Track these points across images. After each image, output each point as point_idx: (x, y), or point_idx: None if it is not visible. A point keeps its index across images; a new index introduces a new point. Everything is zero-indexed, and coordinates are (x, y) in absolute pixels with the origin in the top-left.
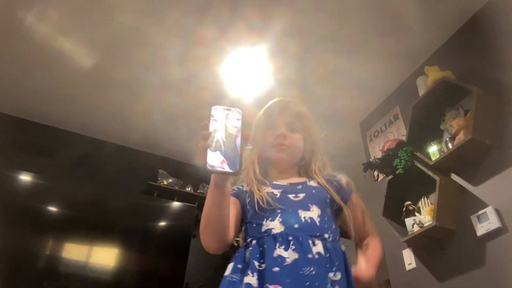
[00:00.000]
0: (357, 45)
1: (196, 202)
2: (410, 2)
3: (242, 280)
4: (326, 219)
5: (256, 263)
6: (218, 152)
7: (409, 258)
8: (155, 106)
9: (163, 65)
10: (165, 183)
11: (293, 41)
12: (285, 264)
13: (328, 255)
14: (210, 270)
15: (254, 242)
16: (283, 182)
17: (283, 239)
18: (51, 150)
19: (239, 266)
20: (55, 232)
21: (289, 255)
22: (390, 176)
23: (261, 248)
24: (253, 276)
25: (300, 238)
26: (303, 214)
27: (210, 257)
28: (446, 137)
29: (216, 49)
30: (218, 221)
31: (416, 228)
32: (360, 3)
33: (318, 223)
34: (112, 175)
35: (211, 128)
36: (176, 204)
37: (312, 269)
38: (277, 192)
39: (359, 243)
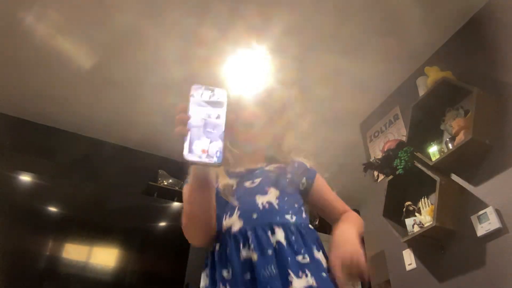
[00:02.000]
0: (357, 46)
1: None
2: (410, 3)
3: None
4: (286, 199)
5: (224, 273)
6: (197, 141)
7: (409, 259)
8: (155, 106)
9: (163, 65)
10: (165, 183)
11: (293, 42)
12: (252, 266)
13: (293, 238)
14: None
15: (217, 247)
16: (241, 168)
17: (244, 237)
18: (51, 151)
19: (215, 277)
20: (55, 233)
21: (251, 255)
22: (390, 177)
23: (224, 253)
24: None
25: (259, 232)
26: (261, 200)
27: None
28: (446, 137)
29: (216, 50)
30: (202, 219)
31: (416, 229)
32: (360, 4)
33: (277, 206)
34: (112, 175)
35: (190, 112)
36: (176, 204)
37: (272, 267)
38: (233, 183)
39: (336, 222)
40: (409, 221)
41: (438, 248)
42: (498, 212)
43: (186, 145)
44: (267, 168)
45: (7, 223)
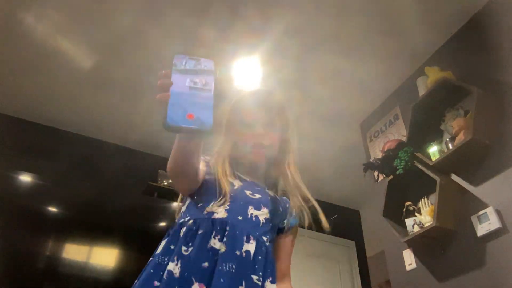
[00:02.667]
0: (357, 46)
1: None
2: (410, 3)
3: (166, 265)
4: (270, 225)
5: (183, 248)
6: (181, 107)
7: (409, 259)
8: (155, 106)
9: (163, 65)
10: (165, 183)
11: (293, 42)
12: (216, 258)
13: (259, 257)
14: None
15: (190, 222)
16: (247, 177)
17: (221, 227)
18: (51, 151)
19: (172, 246)
20: (55, 233)
21: (219, 247)
22: (390, 177)
23: (195, 231)
24: (177, 264)
25: (237, 232)
26: (251, 211)
27: None
28: (446, 137)
29: (216, 50)
30: (187, 168)
31: (416, 229)
32: (360, 4)
33: (261, 224)
34: (112, 175)
35: (173, 79)
36: (176, 204)
37: (233, 266)
38: (236, 184)
39: (279, 277)
40: (409, 221)
41: (438, 248)
42: (498, 212)
43: (168, 112)
44: (267, 190)
45: (7, 223)
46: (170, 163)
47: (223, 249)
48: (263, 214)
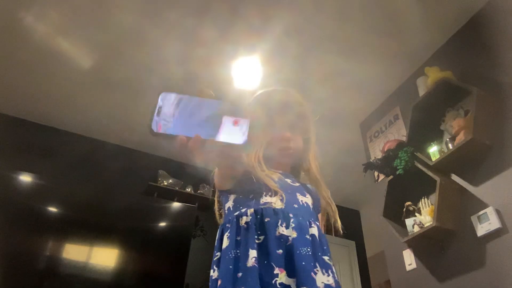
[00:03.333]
0: (357, 46)
1: (197, 202)
2: (410, 3)
3: (247, 253)
4: (316, 211)
5: (260, 237)
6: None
7: (409, 259)
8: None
9: (163, 65)
10: (165, 183)
11: (293, 42)
12: (287, 244)
13: (323, 239)
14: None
15: (251, 211)
16: (277, 169)
17: (284, 216)
18: (51, 151)
19: (238, 238)
20: (55, 233)
21: (289, 234)
22: (391, 177)
23: (260, 220)
24: (253, 251)
25: (300, 218)
26: (301, 198)
27: (211, 258)
28: (446, 137)
29: (216, 50)
30: (238, 168)
31: (416, 229)
32: (360, 4)
33: (311, 209)
34: (112, 175)
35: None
36: (176, 204)
37: (308, 249)
38: (275, 177)
39: None
40: (409, 221)
41: (438, 248)
42: (498, 212)
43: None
44: (302, 180)
45: (7, 223)
46: (221, 176)
47: (294, 235)
48: (308, 200)
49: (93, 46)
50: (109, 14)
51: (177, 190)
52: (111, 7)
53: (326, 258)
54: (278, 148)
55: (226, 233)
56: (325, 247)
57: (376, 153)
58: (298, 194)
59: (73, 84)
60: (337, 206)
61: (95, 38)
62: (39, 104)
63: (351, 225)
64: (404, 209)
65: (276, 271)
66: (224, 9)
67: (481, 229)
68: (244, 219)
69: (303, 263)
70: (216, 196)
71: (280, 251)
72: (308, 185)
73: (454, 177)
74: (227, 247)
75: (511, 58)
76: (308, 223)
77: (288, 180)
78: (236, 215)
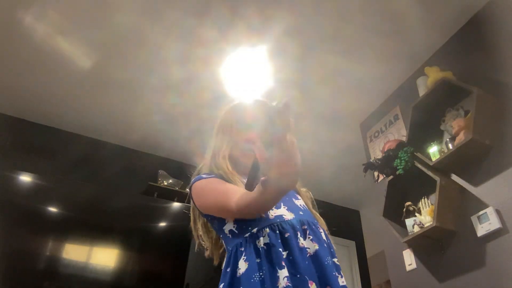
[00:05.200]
0: (357, 46)
1: None
2: (410, 3)
3: (274, 274)
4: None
5: (284, 253)
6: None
7: (409, 259)
8: (155, 107)
9: (163, 65)
10: (165, 183)
11: (293, 42)
12: (308, 255)
13: (329, 241)
14: (210, 271)
15: (266, 231)
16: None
17: (299, 227)
18: (51, 151)
19: (258, 260)
20: (55, 233)
21: (309, 246)
22: (391, 177)
23: (280, 237)
24: (285, 267)
25: (313, 227)
26: (298, 202)
27: (211, 258)
28: (447, 137)
29: (216, 50)
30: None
31: (416, 229)
32: (360, 4)
33: (302, 213)
34: (112, 175)
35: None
36: (176, 204)
37: (329, 258)
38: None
39: None
40: (409, 221)
41: (438, 248)
42: (498, 212)
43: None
44: None
45: (7, 223)
46: (251, 207)
47: (316, 246)
48: (301, 201)
49: (93, 46)
50: (109, 14)
51: (177, 190)
52: (111, 7)
53: (335, 260)
54: (242, 126)
55: (242, 257)
56: (332, 250)
57: (376, 153)
58: (293, 199)
59: (73, 84)
60: (337, 206)
61: (95, 38)
62: (39, 104)
63: (351, 225)
64: (404, 209)
65: (309, 284)
66: (224, 9)
67: (481, 229)
68: (262, 240)
69: (333, 273)
70: (200, 220)
71: (306, 262)
72: None
73: (454, 177)
74: (247, 270)
75: (511, 58)
76: (319, 228)
77: None
78: (249, 236)
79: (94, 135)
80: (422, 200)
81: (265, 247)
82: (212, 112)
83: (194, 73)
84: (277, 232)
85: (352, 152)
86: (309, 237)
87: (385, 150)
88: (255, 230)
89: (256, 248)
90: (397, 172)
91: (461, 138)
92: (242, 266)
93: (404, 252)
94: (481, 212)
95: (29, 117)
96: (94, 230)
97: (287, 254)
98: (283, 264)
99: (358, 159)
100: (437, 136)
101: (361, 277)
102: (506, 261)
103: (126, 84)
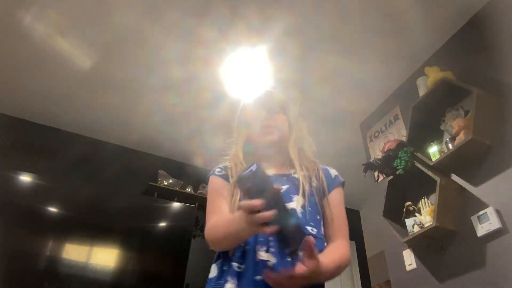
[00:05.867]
0: (357, 46)
1: (197, 202)
2: (410, 3)
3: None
4: (310, 209)
5: (236, 265)
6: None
7: (409, 259)
8: (155, 107)
9: (163, 65)
10: (165, 183)
11: (293, 42)
12: (265, 269)
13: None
14: None
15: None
16: (268, 172)
17: (265, 238)
18: (51, 151)
19: (225, 268)
20: (55, 233)
21: (269, 258)
22: (391, 177)
23: (243, 248)
24: (233, 281)
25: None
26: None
27: (211, 258)
28: (447, 137)
29: (216, 50)
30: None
31: (416, 229)
32: (360, 4)
33: (300, 215)
34: (112, 175)
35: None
36: (176, 204)
37: None
38: None
39: (327, 242)
40: (409, 221)
41: (438, 248)
42: (498, 212)
43: (287, 234)
44: (294, 175)
45: (7, 223)
46: (215, 238)
47: (273, 260)
48: (297, 203)
49: (93, 46)
50: (109, 14)
51: (177, 190)
52: (111, 7)
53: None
54: (260, 128)
55: (217, 262)
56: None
57: (376, 153)
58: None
59: (73, 84)
60: None
61: (95, 38)
62: (39, 104)
63: (351, 225)
64: (404, 209)
65: None
66: (224, 9)
67: (481, 229)
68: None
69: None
70: None
71: (259, 277)
72: (296, 175)
73: (454, 177)
74: (214, 276)
75: (511, 58)
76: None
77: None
78: None
79: (94, 135)
80: (422, 200)
81: (231, 257)
82: (212, 112)
83: (194, 73)
84: (242, 244)
85: (352, 152)
86: (271, 250)
87: (385, 150)
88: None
89: (228, 258)
90: (397, 172)
91: (461, 138)
92: (213, 270)
93: (404, 252)
94: (481, 212)
95: (29, 117)
96: (94, 230)
97: (240, 266)
98: (229, 278)
99: (358, 159)
100: (437, 136)
101: (361, 277)
102: (506, 261)
103: (126, 84)
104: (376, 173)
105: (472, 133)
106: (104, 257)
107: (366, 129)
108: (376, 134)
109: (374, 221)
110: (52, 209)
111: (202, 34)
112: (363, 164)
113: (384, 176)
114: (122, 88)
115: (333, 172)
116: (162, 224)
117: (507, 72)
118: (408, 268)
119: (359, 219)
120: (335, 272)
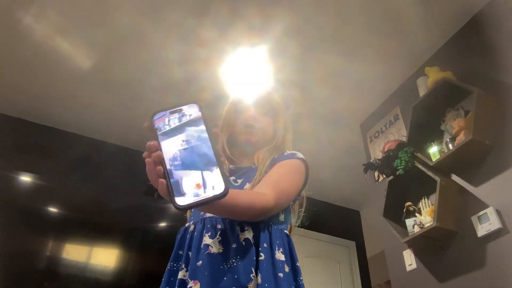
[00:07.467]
0: (357, 46)
1: None
2: (410, 3)
3: (178, 272)
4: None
5: (180, 251)
6: (185, 177)
7: (409, 259)
8: (155, 107)
9: (163, 65)
10: None
11: (293, 42)
12: (207, 252)
13: (257, 236)
14: None
15: (192, 227)
16: (232, 166)
17: (212, 224)
18: (51, 151)
19: (180, 252)
20: (55, 233)
21: (214, 245)
22: (391, 177)
23: (191, 234)
24: (184, 268)
25: (228, 226)
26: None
27: None
28: (447, 137)
29: (216, 50)
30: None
31: (416, 229)
32: (360, 4)
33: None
34: (112, 176)
35: (162, 148)
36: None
37: (234, 260)
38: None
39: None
40: (409, 222)
41: (439, 248)
42: (498, 213)
43: (173, 190)
44: (254, 166)
45: (7, 223)
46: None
47: (220, 249)
48: (240, 183)
49: (93, 46)
50: (109, 14)
51: None
52: (111, 7)
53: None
54: (243, 127)
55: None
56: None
57: (376, 154)
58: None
59: (73, 84)
60: (337, 206)
61: (95, 38)
62: (39, 104)
63: (351, 225)
64: (404, 209)
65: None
66: (224, 9)
67: (482, 230)
68: (186, 234)
69: (225, 278)
70: None
71: (200, 262)
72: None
73: (454, 177)
74: (170, 259)
75: (511, 58)
76: (239, 228)
77: (230, 179)
78: (185, 228)
79: (94, 135)
80: (422, 200)
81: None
82: (212, 112)
83: (194, 73)
84: (191, 231)
85: (352, 152)
86: (218, 238)
87: (385, 150)
88: (187, 224)
89: (184, 241)
90: (397, 172)
91: (461, 138)
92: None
93: (404, 252)
94: (481, 212)
95: (29, 117)
96: (94, 230)
97: (182, 251)
98: (183, 266)
99: (358, 160)
100: (437, 136)
101: (361, 277)
102: (506, 261)
103: (126, 84)
104: (376, 173)
105: (472, 133)
106: (104, 257)
107: (366, 129)
108: (376, 134)
109: (374, 221)
110: (52, 209)
111: (202, 34)
112: (363, 164)
113: (384, 176)
114: (122, 88)
115: (289, 151)
116: (162, 224)
117: (507, 72)
118: (408, 268)
119: (359, 219)
120: (246, 199)
